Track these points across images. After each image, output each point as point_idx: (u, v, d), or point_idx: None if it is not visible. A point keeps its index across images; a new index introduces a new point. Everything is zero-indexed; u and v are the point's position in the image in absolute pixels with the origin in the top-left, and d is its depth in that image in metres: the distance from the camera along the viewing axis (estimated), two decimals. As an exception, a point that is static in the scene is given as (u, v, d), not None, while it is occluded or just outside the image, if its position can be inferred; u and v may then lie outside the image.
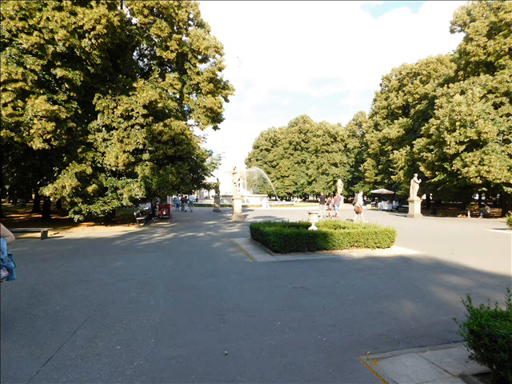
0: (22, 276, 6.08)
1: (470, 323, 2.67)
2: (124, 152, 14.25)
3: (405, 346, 3.44)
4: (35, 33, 11.78)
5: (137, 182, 14.85)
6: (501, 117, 21.37)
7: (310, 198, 79.35)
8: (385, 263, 7.55)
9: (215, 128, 19.47)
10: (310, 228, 9.84)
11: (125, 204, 14.58)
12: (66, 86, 13.29)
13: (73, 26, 11.94)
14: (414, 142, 28.07)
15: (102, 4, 12.58)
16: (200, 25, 18.37)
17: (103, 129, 14.85)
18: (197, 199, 50.67)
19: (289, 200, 67.36)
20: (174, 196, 33.19)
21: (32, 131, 11.64)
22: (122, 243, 10.69)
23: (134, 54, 18.52)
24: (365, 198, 45.84)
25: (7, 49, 11.83)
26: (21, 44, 11.87)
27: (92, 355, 3.23)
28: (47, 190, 12.95)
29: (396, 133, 36.21)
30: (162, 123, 15.28)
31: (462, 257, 8.24)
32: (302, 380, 2.82)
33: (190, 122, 19.72)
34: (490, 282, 5.88)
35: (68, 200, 13.77)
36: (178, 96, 17.58)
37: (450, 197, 29.60)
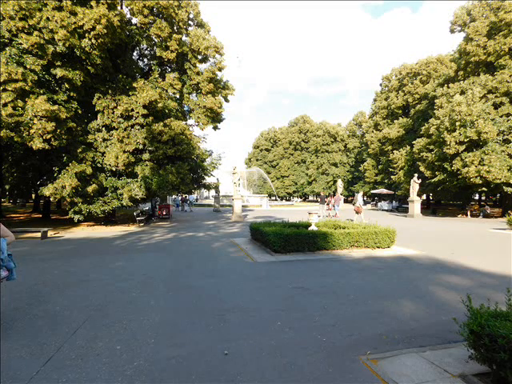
0: (22, 276, 6.07)
1: (470, 323, 2.67)
2: (124, 152, 14.25)
3: (405, 346, 3.44)
4: (35, 33, 11.78)
5: (137, 181, 14.85)
6: (501, 117, 21.38)
7: (310, 197, 79.32)
8: (385, 263, 7.55)
9: (215, 128, 19.47)
10: (310, 228, 9.84)
11: (125, 204, 14.58)
12: (66, 85, 13.29)
13: (73, 26, 11.94)
14: (414, 142, 28.06)
15: (102, 4, 12.57)
16: (200, 25, 18.38)
17: (103, 129, 14.84)
18: (197, 199, 50.56)
19: (289, 200, 67.32)
20: (174, 196, 33.16)
21: (32, 131, 11.64)
22: (122, 243, 10.69)
23: (134, 54, 18.52)
24: (365, 198, 45.86)
25: (7, 49, 11.83)
26: (21, 44, 11.86)
27: (92, 355, 3.23)
28: (47, 190, 12.94)
29: (396, 133, 36.21)
30: (161, 123, 15.27)
31: (462, 257, 8.24)
32: (302, 380, 2.82)
33: (190, 121, 19.72)
34: (490, 282, 5.88)
35: (68, 200, 13.76)
36: (178, 96, 17.58)
37: (450, 197, 29.59)
